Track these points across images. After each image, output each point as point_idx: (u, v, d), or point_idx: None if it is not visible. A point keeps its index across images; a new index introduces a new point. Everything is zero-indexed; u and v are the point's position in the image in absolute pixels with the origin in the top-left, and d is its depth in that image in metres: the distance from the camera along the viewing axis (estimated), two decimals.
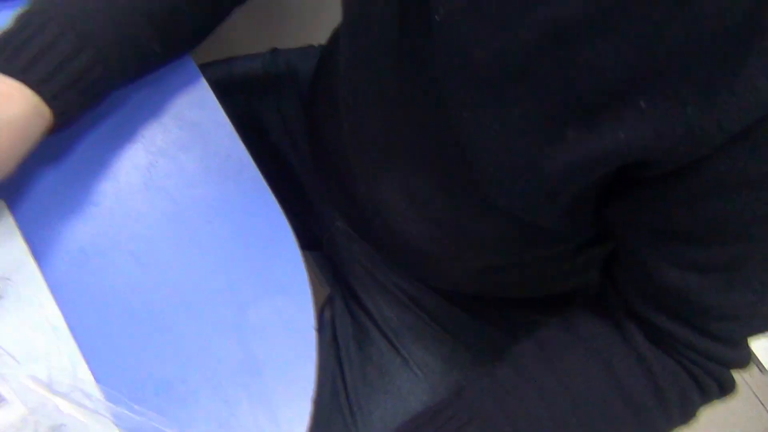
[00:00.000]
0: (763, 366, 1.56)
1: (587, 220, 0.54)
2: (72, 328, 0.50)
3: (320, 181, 0.82)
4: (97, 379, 0.49)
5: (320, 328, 0.78)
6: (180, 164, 0.60)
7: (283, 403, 0.52)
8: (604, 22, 0.40)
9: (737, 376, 0.54)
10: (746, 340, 0.52)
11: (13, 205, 0.54)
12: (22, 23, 0.50)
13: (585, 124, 0.43)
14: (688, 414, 0.55)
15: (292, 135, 0.85)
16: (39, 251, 0.53)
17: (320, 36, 1.05)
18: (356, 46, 0.59)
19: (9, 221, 0.53)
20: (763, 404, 1.60)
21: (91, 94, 0.52)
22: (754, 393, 1.61)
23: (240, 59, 0.90)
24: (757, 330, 0.51)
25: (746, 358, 0.53)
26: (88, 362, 0.50)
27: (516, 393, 0.55)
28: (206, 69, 0.64)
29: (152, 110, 0.62)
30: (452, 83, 0.50)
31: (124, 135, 0.59)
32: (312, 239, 0.85)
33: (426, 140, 0.56)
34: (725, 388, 0.54)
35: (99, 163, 0.57)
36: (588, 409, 0.54)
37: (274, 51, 0.92)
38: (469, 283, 0.72)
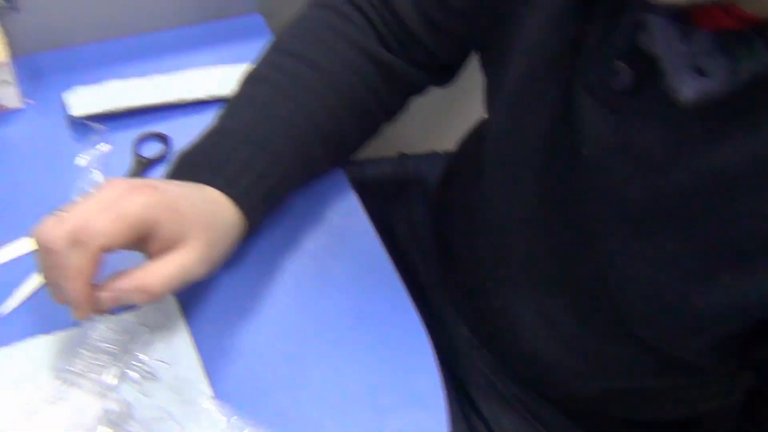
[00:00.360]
0: None
1: (731, 355, 0.54)
2: (228, 420, 0.54)
3: (446, 288, 0.84)
4: None
5: None
6: (328, 270, 0.64)
7: None
8: (765, 174, 0.41)
9: None
10: None
11: (183, 301, 0.59)
12: (218, 140, 0.56)
13: (741, 270, 0.44)
14: None
15: (420, 241, 0.88)
16: (202, 345, 0.57)
17: (443, 143, 1.10)
18: (502, 169, 0.63)
19: (177, 315, 0.58)
20: None
21: (274, 207, 0.58)
22: None
23: (371, 163, 0.96)
24: None
25: None
26: None
27: None
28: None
29: (305, 217, 0.67)
30: (599, 215, 0.53)
31: (281, 240, 0.64)
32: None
33: (568, 265, 0.59)
34: None
35: (257, 267, 0.62)
36: None
37: (403, 156, 0.98)
38: (593, 403, 0.72)
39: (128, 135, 0.68)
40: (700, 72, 0.40)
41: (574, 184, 0.54)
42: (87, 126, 0.68)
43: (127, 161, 0.67)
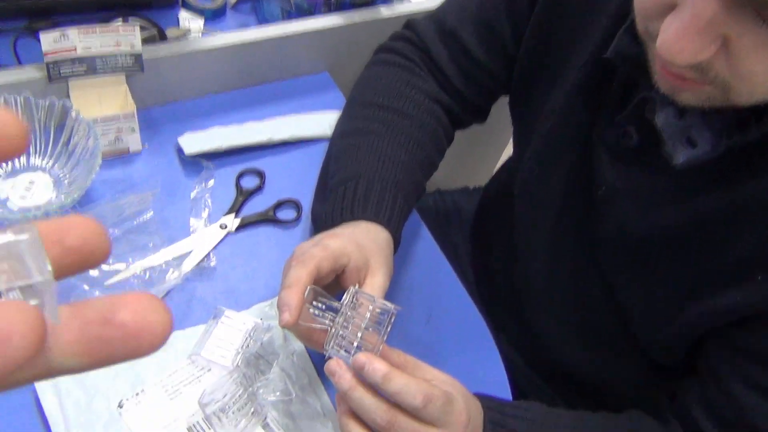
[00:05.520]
0: None
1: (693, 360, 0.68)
2: None
3: (482, 300, 0.97)
4: None
5: None
6: (404, 275, 0.77)
7: None
8: (738, 219, 0.56)
9: None
10: None
11: None
12: (355, 186, 0.70)
13: (716, 288, 0.59)
14: None
15: (460, 260, 1.02)
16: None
17: (472, 179, 1.24)
18: (528, 205, 0.77)
19: None
20: None
21: (403, 223, 0.72)
22: None
23: None
24: None
25: None
26: None
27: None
28: None
29: None
30: (607, 244, 0.67)
31: None
32: None
33: (582, 283, 0.73)
34: None
35: None
36: None
37: (441, 191, 1.12)
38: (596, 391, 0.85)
39: (230, 172, 0.83)
40: (690, 142, 0.55)
41: (587, 218, 0.69)
42: (195, 165, 0.82)
43: (231, 193, 0.81)
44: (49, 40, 0.76)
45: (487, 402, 0.62)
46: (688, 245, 0.60)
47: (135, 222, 0.71)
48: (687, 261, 0.60)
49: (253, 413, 0.64)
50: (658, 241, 0.62)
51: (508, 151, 1.34)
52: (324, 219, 0.70)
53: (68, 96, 0.79)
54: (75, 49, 0.77)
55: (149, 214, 0.73)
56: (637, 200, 0.63)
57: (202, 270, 0.73)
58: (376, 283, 0.62)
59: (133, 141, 0.81)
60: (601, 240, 0.68)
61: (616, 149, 0.64)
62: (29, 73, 0.78)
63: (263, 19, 1.01)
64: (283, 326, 0.56)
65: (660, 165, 0.59)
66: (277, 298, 0.71)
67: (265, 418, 0.65)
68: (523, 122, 0.81)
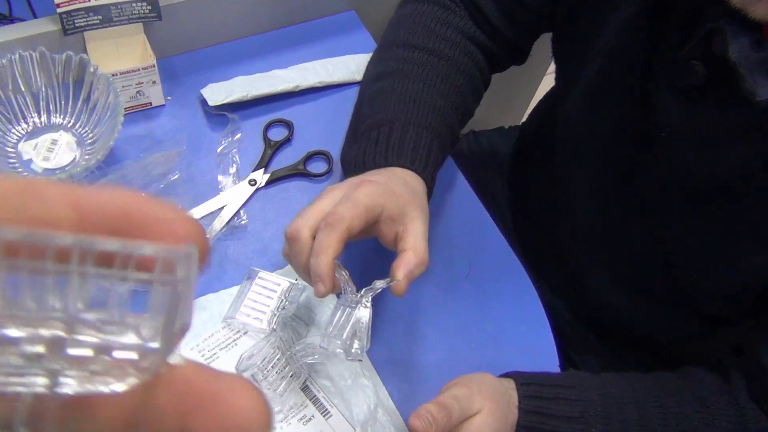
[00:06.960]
0: None
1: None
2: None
3: (521, 247, 0.94)
4: None
5: None
6: (441, 227, 0.74)
7: None
8: None
9: None
10: None
11: None
12: (388, 130, 0.66)
13: None
14: None
15: (498, 206, 0.98)
16: None
17: (510, 118, 1.19)
18: (574, 150, 0.73)
19: None
20: None
21: (437, 171, 0.68)
22: None
23: None
24: None
25: None
26: None
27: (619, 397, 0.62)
28: None
29: None
30: (662, 189, 0.63)
31: None
32: None
33: (630, 231, 0.69)
34: None
35: None
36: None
37: (475, 132, 1.07)
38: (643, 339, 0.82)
39: (256, 123, 0.79)
40: None
41: (639, 161, 0.65)
42: (220, 117, 0.78)
43: (258, 146, 0.77)
44: None
45: (526, 389, 0.59)
46: (752, 188, 0.55)
47: (162, 185, 0.69)
48: (753, 206, 0.56)
49: (291, 376, 0.62)
50: (720, 183, 0.58)
51: (544, 86, 1.28)
52: (354, 163, 0.66)
53: (85, 50, 0.76)
54: None
55: (176, 176, 0.70)
56: (705, 140, 0.58)
57: (233, 229, 0.70)
58: (417, 229, 0.58)
59: (155, 94, 0.78)
60: (656, 184, 0.64)
61: (681, 87, 0.59)
62: (44, 26, 0.74)
63: None
64: (319, 297, 0.53)
65: (733, 101, 0.54)
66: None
67: (305, 381, 0.63)
68: (568, 60, 0.76)
